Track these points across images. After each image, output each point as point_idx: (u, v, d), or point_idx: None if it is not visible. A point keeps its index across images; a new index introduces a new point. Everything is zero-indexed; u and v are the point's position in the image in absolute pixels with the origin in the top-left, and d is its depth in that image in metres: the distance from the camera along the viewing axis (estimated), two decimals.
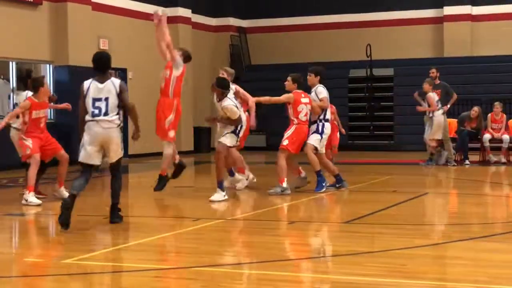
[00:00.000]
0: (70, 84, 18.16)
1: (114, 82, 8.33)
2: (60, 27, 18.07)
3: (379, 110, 23.23)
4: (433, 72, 16.72)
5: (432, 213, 9.81)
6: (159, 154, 15.46)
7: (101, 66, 8.53)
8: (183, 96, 22.83)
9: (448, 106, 16.62)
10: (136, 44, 21.01)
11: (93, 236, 7.95)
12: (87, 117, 8.20)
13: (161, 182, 11.19)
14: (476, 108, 17.30)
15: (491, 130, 17.22)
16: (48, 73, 18.32)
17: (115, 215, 8.41)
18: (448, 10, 23.50)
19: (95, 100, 8.21)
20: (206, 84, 25.02)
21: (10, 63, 17.33)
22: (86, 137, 8.21)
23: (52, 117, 18.18)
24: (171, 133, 11.10)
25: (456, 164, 16.29)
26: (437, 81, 16.57)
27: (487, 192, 12.38)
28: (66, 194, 9.99)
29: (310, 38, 25.10)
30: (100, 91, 8.25)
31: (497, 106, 17.42)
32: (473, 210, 9.67)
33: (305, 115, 11.13)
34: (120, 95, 8.23)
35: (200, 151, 23.16)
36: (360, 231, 8.04)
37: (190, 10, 23.03)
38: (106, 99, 8.20)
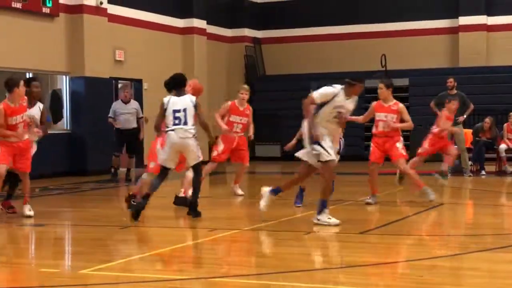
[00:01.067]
0: (86, 95, 18.29)
1: (190, 98, 9.72)
2: (76, 39, 18.18)
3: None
4: (451, 81, 16.69)
5: (449, 224, 9.76)
6: None
7: (179, 84, 9.80)
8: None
9: (465, 116, 16.55)
10: (152, 55, 21.10)
11: (109, 246, 7.97)
12: (168, 127, 9.52)
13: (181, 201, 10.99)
14: (487, 119, 17.25)
15: (507, 140, 17.13)
16: (64, 84, 18.44)
17: (192, 209, 9.61)
18: (464, 20, 23.45)
19: (175, 111, 9.51)
20: (220, 95, 25.10)
21: (27, 74, 17.45)
22: (166, 144, 9.51)
23: (68, 127, 18.28)
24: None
25: (472, 175, 16.21)
26: (454, 91, 16.53)
27: (503, 203, 12.30)
28: (29, 213, 9.74)
29: (325, 48, 25.12)
30: (179, 103, 9.55)
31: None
32: (489, 221, 9.61)
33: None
34: (196, 108, 9.62)
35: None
36: (377, 241, 8.02)
37: (205, 21, 23.11)
38: (184, 110, 9.52)
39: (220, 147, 12.68)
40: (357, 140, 23.92)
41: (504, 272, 6.32)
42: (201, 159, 9.80)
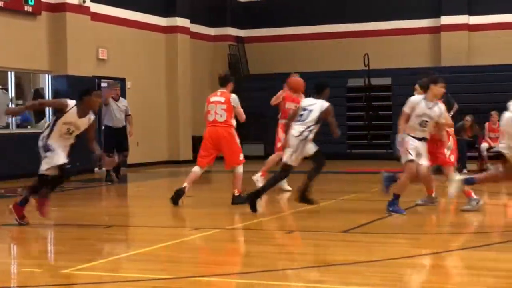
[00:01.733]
0: (68, 94, 18.19)
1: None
2: (59, 37, 18.11)
3: (377, 119, 23.28)
4: None
5: (431, 222, 9.82)
6: (155, 163, 15.54)
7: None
8: (182, 104, 23.06)
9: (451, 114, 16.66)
10: (135, 54, 21.06)
11: (93, 245, 7.96)
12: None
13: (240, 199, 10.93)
14: (468, 118, 17.38)
15: (488, 139, 17.27)
16: (47, 83, 18.36)
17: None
18: (445, 19, 23.58)
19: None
20: (204, 94, 25.08)
21: (9, 73, 17.36)
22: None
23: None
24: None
25: (458, 173, 16.32)
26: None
27: (485, 201, 12.37)
28: None
29: (308, 47, 25.18)
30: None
31: (494, 115, 17.49)
32: (471, 219, 9.68)
33: None
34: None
35: None
36: (359, 240, 8.06)
37: (188, 20, 23.09)
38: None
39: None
40: (341, 138, 23.91)
41: (486, 270, 6.37)
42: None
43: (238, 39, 25.95)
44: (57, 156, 8.90)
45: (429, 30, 24.03)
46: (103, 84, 20.08)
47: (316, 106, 10.01)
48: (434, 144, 10.16)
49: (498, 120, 17.49)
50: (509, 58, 22.34)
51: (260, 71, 25.43)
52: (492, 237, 8.27)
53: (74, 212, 11.04)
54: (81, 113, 8.96)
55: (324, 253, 7.48)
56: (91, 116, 9.06)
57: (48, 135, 9.01)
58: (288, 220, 9.83)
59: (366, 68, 23.10)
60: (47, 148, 8.96)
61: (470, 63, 23.11)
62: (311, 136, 9.92)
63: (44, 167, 8.93)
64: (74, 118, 8.93)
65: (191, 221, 9.91)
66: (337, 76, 23.37)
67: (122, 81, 20.39)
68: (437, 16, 23.78)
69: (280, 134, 12.68)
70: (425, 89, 10.17)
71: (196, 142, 23.64)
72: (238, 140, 11.06)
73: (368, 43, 24.18)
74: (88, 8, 18.83)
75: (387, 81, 23.51)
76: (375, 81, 23.36)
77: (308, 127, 9.88)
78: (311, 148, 9.99)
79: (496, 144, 17.27)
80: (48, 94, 18.35)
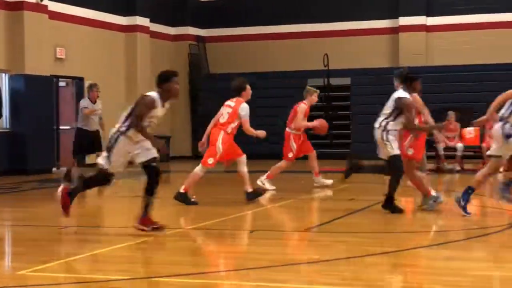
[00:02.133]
0: (26, 93, 17.98)
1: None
2: (17, 36, 17.87)
3: (337, 119, 23.40)
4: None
5: (389, 221, 9.89)
6: None
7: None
8: None
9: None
10: (93, 53, 20.89)
11: (49, 246, 7.86)
12: None
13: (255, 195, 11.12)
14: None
15: (445, 139, 17.50)
16: (4, 82, 18.10)
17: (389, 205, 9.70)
18: (404, 20, 23.81)
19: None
20: None
21: None
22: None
23: (8, 126, 17.96)
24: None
25: (429, 172, 16.61)
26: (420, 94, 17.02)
27: (444, 200, 12.50)
28: None
29: (269, 47, 25.22)
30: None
31: (451, 115, 17.73)
32: (428, 218, 9.78)
33: None
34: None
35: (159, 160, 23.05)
36: (319, 239, 8.09)
37: (148, 19, 22.97)
38: None
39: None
40: None
41: (443, 269, 6.44)
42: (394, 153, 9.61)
43: (199, 39, 25.89)
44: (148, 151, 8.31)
45: (388, 31, 24.25)
46: (61, 84, 19.88)
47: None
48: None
49: (455, 120, 17.80)
50: (465, 59, 22.63)
51: (221, 71, 25.40)
52: (450, 235, 8.36)
53: (31, 212, 10.90)
54: (163, 102, 8.36)
55: (286, 252, 7.50)
56: (167, 104, 8.49)
57: (125, 131, 8.23)
58: (250, 219, 9.83)
59: (326, 68, 23.23)
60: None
61: (428, 64, 23.36)
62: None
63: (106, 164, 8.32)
64: (159, 109, 8.32)
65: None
66: (297, 76, 23.46)
67: (81, 80, 20.20)
68: (396, 17, 24.00)
69: (292, 144, 13.19)
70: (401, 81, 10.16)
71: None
72: (219, 144, 11.05)
73: (327, 43, 24.31)
74: (46, 6, 18.62)
75: (346, 81, 23.66)
76: (335, 81, 23.49)
77: None
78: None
79: (452, 144, 17.55)
80: (5, 93, 18.10)
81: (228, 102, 11.35)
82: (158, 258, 7.08)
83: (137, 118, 8.11)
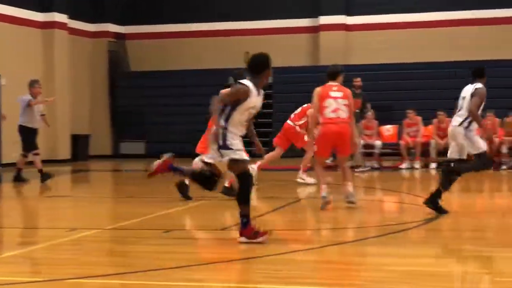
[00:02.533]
0: None
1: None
2: None
3: (258, 117, 23.49)
4: (358, 81, 17.50)
5: (308, 218, 10.00)
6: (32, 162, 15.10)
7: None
8: (60, 102, 22.47)
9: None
10: (9, 49, 20.39)
11: None
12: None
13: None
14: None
15: (364, 136, 17.81)
16: None
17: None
18: (324, 19, 24.09)
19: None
20: (84, 90, 24.59)
21: None
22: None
23: None
24: None
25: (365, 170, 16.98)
26: (359, 91, 17.37)
27: (361, 197, 12.71)
28: None
29: (190, 45, 25.13)
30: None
31: (369, 113, 18.06)
32: (347, 215, 9.92)
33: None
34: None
35: (77, 159, 22.70)
36: (235, 237, 8.09)
37: (66, 16, 22.55)
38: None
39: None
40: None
41: (360, 265, 6.54)
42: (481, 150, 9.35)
43: (119, 36, 25.58)
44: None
45: (309, 30, 24.48)
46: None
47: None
48: None
49: (373, 118, 18.13)
50: (384, 57, 23.04)
51: (142, 68, 25.18)
52: (368, 232, 8.50)
53: None
54: (259, 90, 7.69)
55: (202, 251, 7.47)
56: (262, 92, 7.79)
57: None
58: (168, 219, 9.76)
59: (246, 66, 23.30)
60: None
61: (348, 62, 23.68)
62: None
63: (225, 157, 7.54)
64: (255, 98, 7.60)
65: (68, 222, 9.67)
66: (218, 74, 23.47)
67: None
68: (316, 16, 24.26)
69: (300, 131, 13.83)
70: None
71: (76, 140, 23.20)
72: None
73: (248, 41, 24.37)
74: None
75: (268, 79, 23.76)
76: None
77: None
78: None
79: (370, 141, 17.86)
80: None
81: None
82: (74, 259, 6.94)
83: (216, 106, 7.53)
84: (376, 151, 17.76)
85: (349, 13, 24.23)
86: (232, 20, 24.86)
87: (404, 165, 17.61)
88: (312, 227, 9.13)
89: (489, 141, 10.83)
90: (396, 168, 17.58)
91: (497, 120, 17.96)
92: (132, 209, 10.53)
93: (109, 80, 25.15)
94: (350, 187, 10.16)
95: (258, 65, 7.72)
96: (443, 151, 16.43)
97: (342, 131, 10.03)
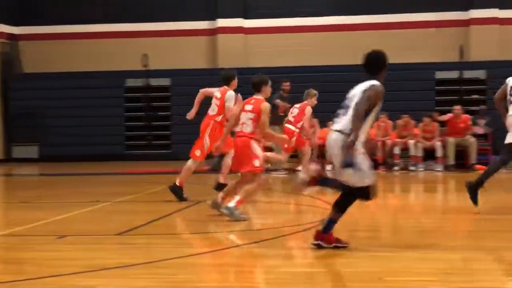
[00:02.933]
0: None
1: None
2: None
3: (157, 119, 23.36)
4: (287, 85, 17.63)
5: (207, 221, 9.95)
6: None
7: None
8: None
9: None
10: None
11: None
12: None
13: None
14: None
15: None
16: None
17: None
18: (222, 22, 24.15)
19: None
20: None
21: None
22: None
23: None
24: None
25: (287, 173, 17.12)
26: (286, 95, 17.59)
27: (260, 199, 12.79)
28: None
29: (86, 46, 24.69)
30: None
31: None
32: (248, 217, 9.93)
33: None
34: None
35: None
36: (134, 242, 7.98)
37: None
38: None
39: None
40: (119, 139, 23.82)
41: (253, 267, 6.56)
42: None
43: (11, 37, 24.84)
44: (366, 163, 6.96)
45: (207, 32, 24.48)
46: None
47: None
48: None
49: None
50: (282, 60, 23.25)
51: (36, 70, 24.54)
52: (262, 234, 8.54)
53: None
54: None
55: (97, 257, 7.32)
56: None
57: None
58: (62, 224, 9.53)
59: (145, 68, 23.12)
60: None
61: (247, 65, 23.82)
62: None
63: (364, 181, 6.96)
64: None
65: None
66: (114, 76, 23.20)
67: None
68: (214, 18, 24.28)
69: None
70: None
71: None
72: (207, 137, 11.15)
73: (147, 43, 24.19)
74: None
75: (166, 81, 23.67)
76: (155, 82, 23.44)
77: None
78: None
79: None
80: None
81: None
82: None
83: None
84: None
85: (247, 16, 24.37)
86: (131, 22, 24.56)
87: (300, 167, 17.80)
88: (209, 230, 9.10)
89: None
90: (294, 171, 17.77)
91: (390, 122, 18.48)
92: (25, 215, 10.22)
93: (1, 82, 24.40)
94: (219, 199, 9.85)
95: (378, 63, 7.14)
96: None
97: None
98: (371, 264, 6.54)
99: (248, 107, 9.62)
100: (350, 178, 6.82)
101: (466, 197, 9.77)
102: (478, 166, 17.13)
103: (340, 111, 7.10)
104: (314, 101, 15.20)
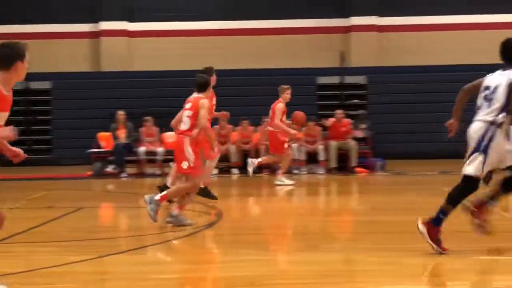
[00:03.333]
0: None
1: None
2: None
3: (37, 124, 22.71)
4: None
5: (87, 228, 9.75)
6: None
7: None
8: None
9: None
10: None
11: None
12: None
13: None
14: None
15: (146, 143, 17.88)
16: None
17: None
18: (104, 25, 23.76)
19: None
20: None
21: None
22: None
23: None
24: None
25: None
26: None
27: (142, 205, 12.65)
28: None
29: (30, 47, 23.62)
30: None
31: (149, 120, 18.17)
32: (125, 223, 9.82)
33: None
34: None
35: None
36: (12, 250, 7.74)
37: None
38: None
39: None
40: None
41: (139, 273, 6.47)
42: None
43: None
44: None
45: (89, 35, 24.01)
46: None
47: None
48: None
49: (153, 125, 18.16)
50: (167, 64, 23.03)
51: None
52: (146, 239, 8.46)
53: None
54: None
55: None
56: None
57: (502, 123, 6.72)
58: None
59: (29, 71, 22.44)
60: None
61: (131, 69, 23.53)
62: None
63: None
64: None
65: None
66: None
67: None
68: (97, 21, 23.85)
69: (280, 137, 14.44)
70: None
71: None
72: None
73: (28, 45, 23.45)
74: None
75: (46, 85, 23.04)
76: (34, 85, 22.76)
77: None
78: None
79: (153, 148, 17.88)
80: None
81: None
82: None
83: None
84: (159, 157, 17.79)
85: (131, 19, 24.09)
86: (11, 23, 23.71)
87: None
88: (91, 237, 8.93)
89: None
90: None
91: (251, 127, 18.51)
92: None
93: None
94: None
95: None
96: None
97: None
98: (248, 269, 6.56)
99: (188, 105, 9.50)
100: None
101: (347, 199, 10.00)
102: (358, 169, 17.60)
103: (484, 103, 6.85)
104: (287, 96, 14.36)
